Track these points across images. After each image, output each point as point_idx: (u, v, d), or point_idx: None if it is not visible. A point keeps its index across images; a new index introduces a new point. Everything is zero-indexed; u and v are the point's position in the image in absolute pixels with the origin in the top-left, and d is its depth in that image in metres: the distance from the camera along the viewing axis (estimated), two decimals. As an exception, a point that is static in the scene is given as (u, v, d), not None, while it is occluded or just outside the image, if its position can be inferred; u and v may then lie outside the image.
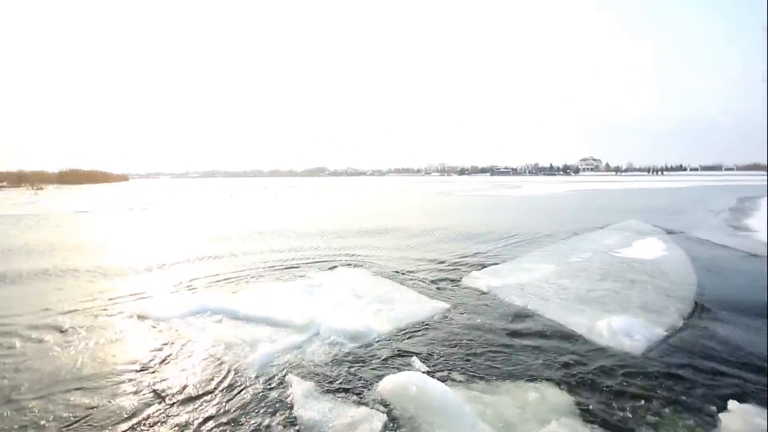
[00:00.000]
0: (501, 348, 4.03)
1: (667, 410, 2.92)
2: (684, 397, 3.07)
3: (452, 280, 6.55)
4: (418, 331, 4.52)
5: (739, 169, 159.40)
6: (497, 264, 7.50)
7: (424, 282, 6.48)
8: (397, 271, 7.19)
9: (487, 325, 4.64)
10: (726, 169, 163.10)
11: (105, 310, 5.30)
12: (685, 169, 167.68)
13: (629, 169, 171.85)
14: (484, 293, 5.77)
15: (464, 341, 4.21)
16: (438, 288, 6.17)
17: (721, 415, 2.80)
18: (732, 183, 50.87)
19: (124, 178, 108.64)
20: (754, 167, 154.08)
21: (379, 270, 7.30)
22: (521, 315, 4.91)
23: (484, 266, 7.38)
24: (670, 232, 10.93)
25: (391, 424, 2.80)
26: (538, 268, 7.01)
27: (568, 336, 4.26)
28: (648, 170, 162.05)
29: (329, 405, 3.03)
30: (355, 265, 7.66)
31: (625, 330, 4.15)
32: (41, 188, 56.36)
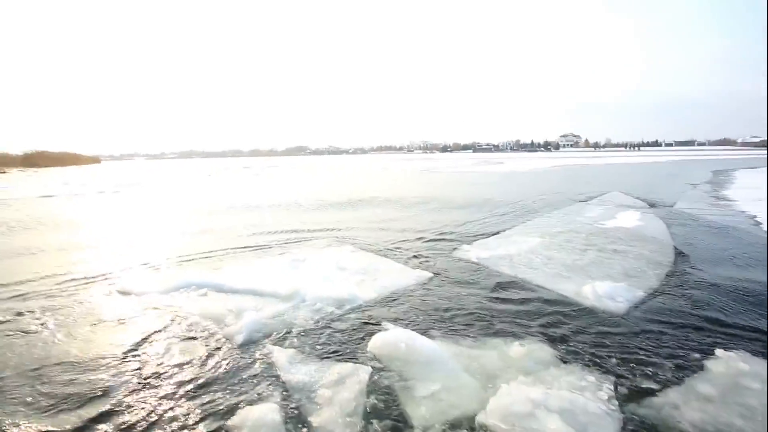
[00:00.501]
0: (489, 311, 4.18)
1: (648, 359, 3.14)
2: (663, 349, 3.30)
3: (444, 253, 6.61)
4: (404, 296, 4.62)
5: (710, 144, 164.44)
6: (487, 238, 7.60)
7: (417, 257, 6.50)
8: (386, 248, 7.20)
9: (477, 291, 4.77)
10: (698, 144, 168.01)
11: (84, 286, 5.18)
12: (660, 145, 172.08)
13: (607, 145, 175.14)
14: (474, 263, 5.90)
15: (452, 305, 4.33)
16: (428, 260, 6.23)
17: (701, 362, 3.08)
18: (704, 157, 52.48)
19: (95, 160, 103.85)
20: (724, 142, 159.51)
21: (365, 246, 7.29)
22: (510, 282, 5.05)
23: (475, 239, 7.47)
24: (652, 205, 11.14)
25: (380, 377, 2.93)
26: (525, 241, 7.20)
27: (556, 300, 4.45)
28: (625, 146, 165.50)
29: (318, 365, 3.10)
30: (340, 241, 7.66)
31: (609, 293, 4.41)
32: (4, 171, 53.30)
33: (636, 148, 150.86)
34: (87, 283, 5.33)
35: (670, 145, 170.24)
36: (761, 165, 30.50)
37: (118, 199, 17.38)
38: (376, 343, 3.35)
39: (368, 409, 2.59)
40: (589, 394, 2.67)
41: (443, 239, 7.54)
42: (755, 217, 9.02)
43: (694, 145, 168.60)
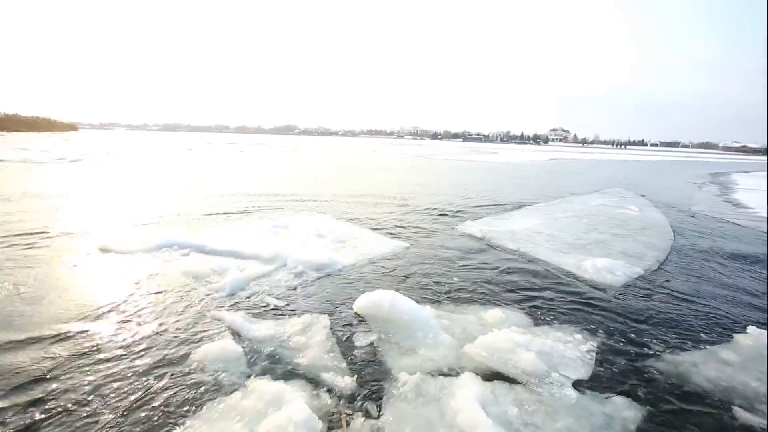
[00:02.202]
0: (487, 280, 4.37)
1: (635, 326, 3.38)
2: (655, 319, 3.51)
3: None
4: (389, 261, 4.77)
5: (693, 146, 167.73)
6: (490, 217, 7.76)
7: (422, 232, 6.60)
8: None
9: (477, 263, 4.96)
10: (682, 146, 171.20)
11: (62, 245, 5.12)
12: (646, 145, 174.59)
13: (595, 141, 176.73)
14: (478, 238, 6.13)
15: (441, 273, 4.52)
16: (433, 234, 6.36)
17: (698, 333, 3.36)
18: (692, 159, 52.95)
19: (72, 127, 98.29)
20: (706, 145, 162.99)
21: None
22: (511, 255, 5.30)
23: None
24: (667, 206, 10.36)
25: (364, 334, 3.07)
26: (528, 222, 7.44)
27: (556, 272, 4.69)
28: (612, 143, 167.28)
29: (304, 320, 3.21)
30: (320, 212, 7.69)
31: (607, 268, 4.66)
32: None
33: (623, 146, 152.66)
34: (65, 240, 5.24)
35: (656, 145, 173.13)
36: (750, 169, 31.26)
37: (77, 168, 15.17)
38: (360, 302, 3.46)
39: (349, 358, 2.74)
40: (571, 345, 2.96)
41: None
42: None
43: (678, 146, 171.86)
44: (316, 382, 2.45)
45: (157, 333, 2.96)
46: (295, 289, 3.88)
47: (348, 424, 2.12)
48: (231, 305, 3.47)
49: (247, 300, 3.59)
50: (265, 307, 3.47)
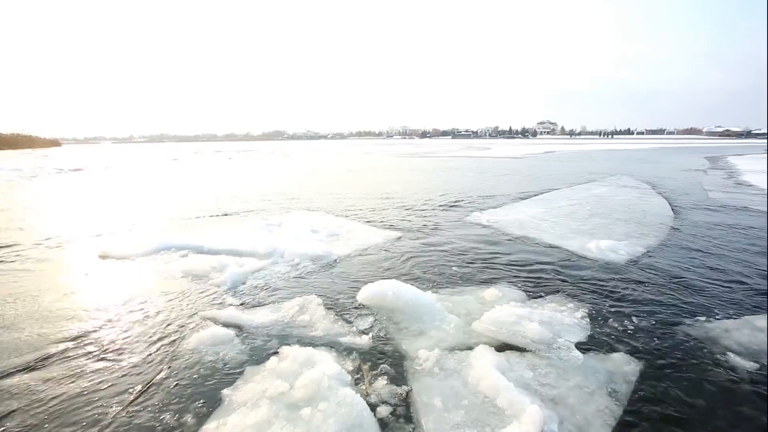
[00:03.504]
0: (492, 263, 4.59)
1: (628, 295, 3.61)
2: (657, 293, 3.67)
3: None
4: (397, 251, 4.96)
5: (678, 133, 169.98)
6: (495, 208, 7.94)
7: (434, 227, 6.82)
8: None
9: (487, 247, 5.23)
10: (668, 133, 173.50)
11: (62, 251, 5.25)
12: (632, 133, 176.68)
13: (582, 133, 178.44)
14: (484, 226, 6.45)
15: (442, 260, 4.71)
16: (444, 225, 6.57)
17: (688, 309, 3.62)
18: (682, 145, 52.94)
19: (55, 143, 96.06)
20: (691, 131, 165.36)
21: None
22: (518, 240, 5.55)
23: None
24: (686, 194, 9.99)
25: (374, 322, 3.13)
26: (532, 210, 7.71)
27: (561, 253, 4.93)
28: (600, 133, 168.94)
29: (311, 312, 3.33)
30: (312, 210, 7.82)
31: (611, 248, 4.91)
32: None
33: (610, 136, 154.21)
34: (64, 247, 5.36)
35: (642, 133, 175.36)
36: (742, 152, 31.43)
37: (36, 184, 13.87)
38: (364, 293, 3.50)
39: (363, 339, 2.84)
40: (567, 314, 3.18)
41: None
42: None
43: (663, 133, 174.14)
44: (337, 352, 2.70)
45: (183, 319, 3.15)
46: (292, 279, 4.06)
47: (371, 383, 2.37)
48: (235, 296, 3.64)
49: (251, 291, 3.77)
50: (270, 294, 3.68)
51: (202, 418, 2.08)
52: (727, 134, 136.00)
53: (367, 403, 2.17)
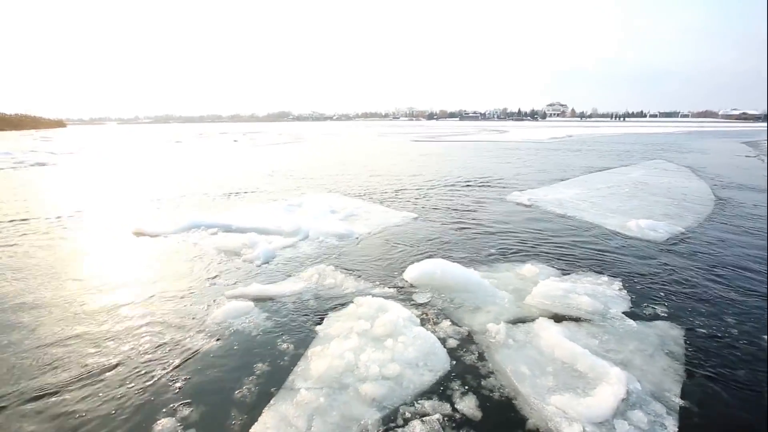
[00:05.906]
0: (536, 241, 4.76)
1: (674, 272, 3.79)
2: (694, 269, 3.83)
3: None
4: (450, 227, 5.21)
5: (693, 116, 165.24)
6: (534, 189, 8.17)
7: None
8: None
9: (526, 227, 5.39)
10: (682, 116, 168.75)
11: (98, 232, 5.53)
12: (645, 116, 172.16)
13: (593, 115, 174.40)
14: (526, 206, 6.62)
15: (488, 238, 4.91)
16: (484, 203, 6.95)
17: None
18: (704, 129, 49.97)
19: (60, 124, 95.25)
20: (706, 114, 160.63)
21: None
22: (558, 219, 5.78)
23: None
24: (741, 187, 8.98)
25: (428, 297, 3.25)
26: (571, 191, 7.85)
27: (602, 232, 5.09)
28: (611, 116, 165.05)
29: (355, 284, 3.53)
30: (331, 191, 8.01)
31: (650, 227, 5.05)
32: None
33: (621, 119, 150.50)
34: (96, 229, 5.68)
35: (655, 116, 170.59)
36: None
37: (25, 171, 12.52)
38: (411, 273, 3.57)
39: (425, 322, 2.88)
40: (605, 287, 3.42)
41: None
42: None
43: (677, 116, 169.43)
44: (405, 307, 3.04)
45: (239, 285, 3.41)
46: (321, 256, 4.29)
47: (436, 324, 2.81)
48: (267, 270, 3.91)
49: (283, 264, 4.05)
50: (307, 267, 3.93)
51: (307, 346, 2.57)
52: (744, 117, 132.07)
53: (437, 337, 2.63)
